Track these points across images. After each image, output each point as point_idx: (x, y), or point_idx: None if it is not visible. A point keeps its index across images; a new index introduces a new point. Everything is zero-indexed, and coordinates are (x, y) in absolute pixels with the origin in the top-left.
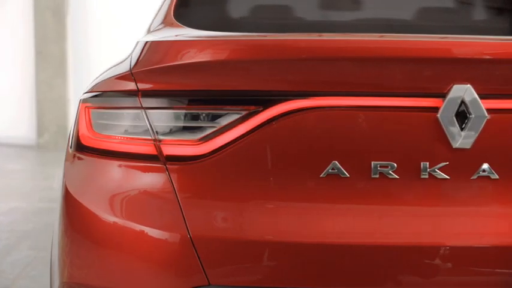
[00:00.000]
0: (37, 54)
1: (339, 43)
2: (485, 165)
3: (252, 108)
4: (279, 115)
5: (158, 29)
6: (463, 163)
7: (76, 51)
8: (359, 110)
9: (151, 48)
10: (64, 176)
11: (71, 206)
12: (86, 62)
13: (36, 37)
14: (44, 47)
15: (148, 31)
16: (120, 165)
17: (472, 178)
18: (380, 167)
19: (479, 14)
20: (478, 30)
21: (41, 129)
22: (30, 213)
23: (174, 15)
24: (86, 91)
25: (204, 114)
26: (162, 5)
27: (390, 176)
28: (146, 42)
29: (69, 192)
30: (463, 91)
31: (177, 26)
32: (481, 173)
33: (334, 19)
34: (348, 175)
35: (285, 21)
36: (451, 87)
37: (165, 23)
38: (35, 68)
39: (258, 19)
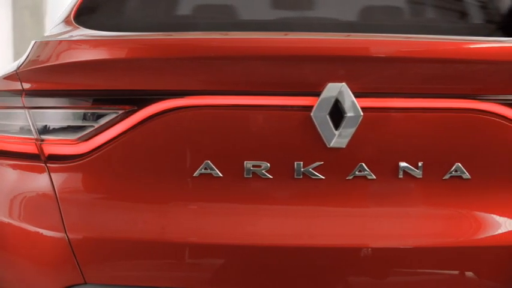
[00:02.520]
0: (16, 55)
1: (212, 42)
2: (361, 165)
3: (127, 107)
4: (153, 115)
5: (55, 30)
6: (338, 163)
7: None
8: (233, 109)
9: (38, 48)
10: None
11: None
12: None
13: (14, 38)
14: (23, 47)
15: (47, 32)
16: (6, 165)
17: (347, 178)
18: (253, 166)
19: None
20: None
21: None
22: None
23: (74, 17)
24: None
25: (83, 114)
26: (67, 7)
27: (263, 176)
28: (35, 42)
29: None
30: (337, 89)
31: (74, 27)
32: (357, 173)
33: (233, 20)
34: (221, 175)
35: (181, 21)
36: (326, 85)
37: (64, 23)
38: None
39: (155, 19)
